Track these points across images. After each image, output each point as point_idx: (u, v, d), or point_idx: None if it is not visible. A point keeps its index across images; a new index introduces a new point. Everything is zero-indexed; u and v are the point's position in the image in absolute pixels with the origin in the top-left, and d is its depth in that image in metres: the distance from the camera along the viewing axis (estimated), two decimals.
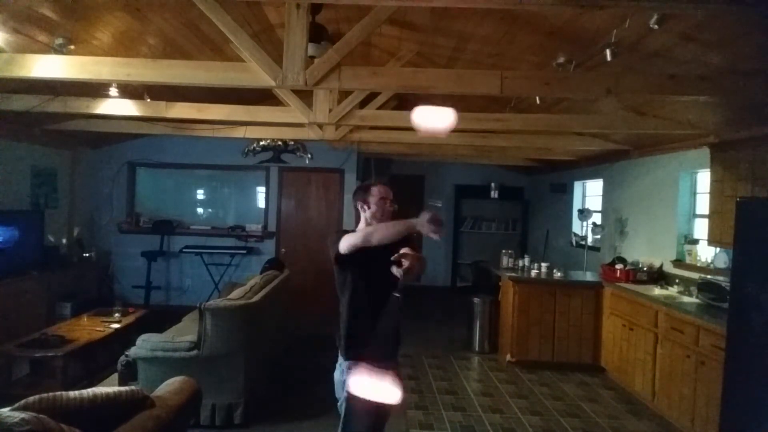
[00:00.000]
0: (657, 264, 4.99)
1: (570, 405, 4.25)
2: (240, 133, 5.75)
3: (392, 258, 2.03)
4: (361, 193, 2.45)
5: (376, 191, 2.41)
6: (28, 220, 5.41)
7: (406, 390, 4.43)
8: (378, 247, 2.09)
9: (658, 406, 4.04)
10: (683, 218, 4.81)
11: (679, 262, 4.72)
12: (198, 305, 3.58)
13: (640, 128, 4.25)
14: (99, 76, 3.00)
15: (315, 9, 3.45)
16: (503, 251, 6.01)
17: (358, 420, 2.23)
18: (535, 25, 3.17)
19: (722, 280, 3.75)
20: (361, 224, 2.44)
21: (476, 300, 5.69)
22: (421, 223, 1.97)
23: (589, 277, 5.54)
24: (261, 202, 7.39)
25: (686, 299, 4.21)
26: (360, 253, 2.15)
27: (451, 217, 9.21)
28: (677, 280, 4.64)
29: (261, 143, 7.03)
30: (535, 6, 2.59)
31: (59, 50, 3.36)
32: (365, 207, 2.41)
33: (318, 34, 3.54)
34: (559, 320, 5.11)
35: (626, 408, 4.22)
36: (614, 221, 5.95)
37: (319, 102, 4.41)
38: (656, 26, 2.53)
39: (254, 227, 7.17)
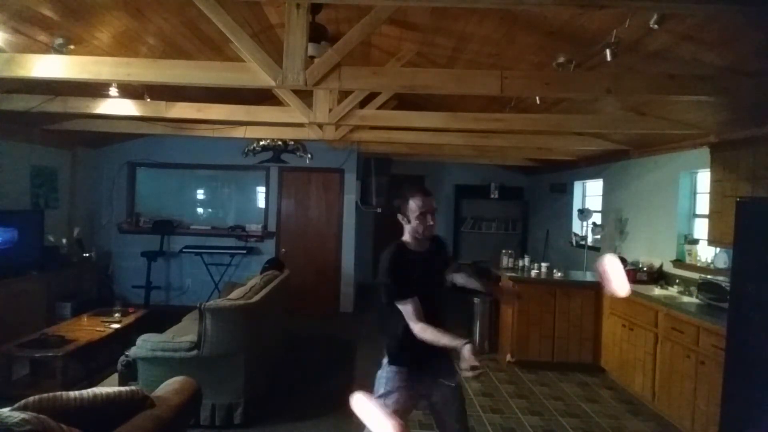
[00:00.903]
0: (657, 264, 4.99)
1: (570, 405, 4.25)
2: (240, 133, 5.75)
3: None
4: (400, 203, 2.34)
5: (414, 205, 2.28)
6: (28, 220, 5.40)
7: None
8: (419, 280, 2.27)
9: (658, 406, 4.03)
10: (683, 218, 4.80)
11: (679, 262, 4.72)
12: (198, 305, 3.57)
13: (640, 128, 4.25)
14: (99, 76, 3.00)
15: (315, 9, 3.46)
16: (503, 251, 6.02)
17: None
18: (535, 25, 3.17)
19: (722, 280, 3.75)
20: (406, 236, 2.39)
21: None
22: (462, 357, 2.00)
23: (589, 277, 5.53)
24: (261, 202, 7.39)
25: (686, 299, 4.21)
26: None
27: (451, 217, 9.22)
28: (677, 280, 4.64)
29: (261, 143, 7.03)
30: (535, 6, 2.59)
31: (59, 50, 3.36)
32: (405, 220, 2.33)
33: (318, 34, 3.54)
34: (559, 320, 5.11)
35: (626, 408, 4.22)
36: (614, 221, 5.95)
37: (319, 102, 4.41)
38: (656, 26, 2.53)
39: (254, 227, 7.17)
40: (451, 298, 2.68)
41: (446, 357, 2.38)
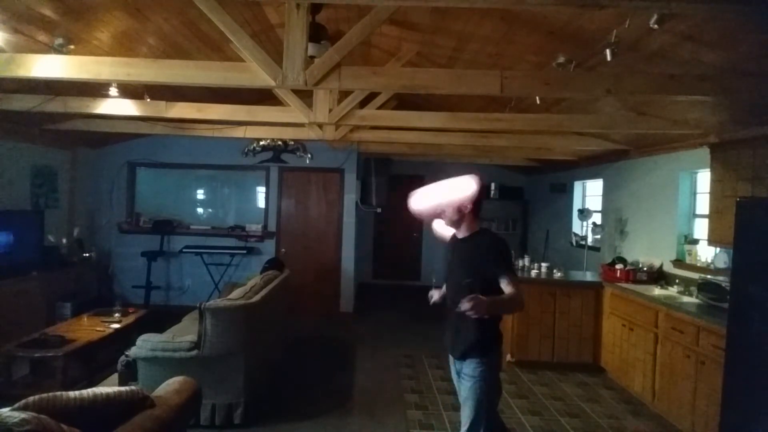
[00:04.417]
0: (657, 264, 4.99)
1: (570, 405, 4.25)
2: (240, 133, 5.75)
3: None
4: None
5: None
6: (28, 220, 5.41)
7: (407, 390, 4.43)
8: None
9: (658, 406, 4.04)
10: (683, 218, 4.80)
11: (679, 262, 4.72)
12: (198, 305, 3.58)
13: (640, 128, 4.25)
14: (99, 76, 3.00)
15: (315, 9, 3.46)
16: None
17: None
18: (535, 25, 3.17)
19: (722, 280, 3.75)
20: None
21: None
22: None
23: (589, 277, 5.54)
24: (261, 202, 7.39)
25: (686, 299, 4.21)
26: None
27: None
28: (677, 280, 4.64)
29: (261, 143, 7.03)
30: (535, 6, 2.59)
31: (59, 50, 3.36)
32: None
33: (318, 34, 3.54)
34: (559, 320, 5.10)
35: (626, 408, 4.22)
36: (614, 221, 5.95)
37: (319, 102, 4.41)
38: (656, 26, 2.53)
39: (254, 227, 7.17)
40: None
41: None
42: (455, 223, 2.61)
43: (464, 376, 2.51)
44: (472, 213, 2.58)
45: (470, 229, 2.61)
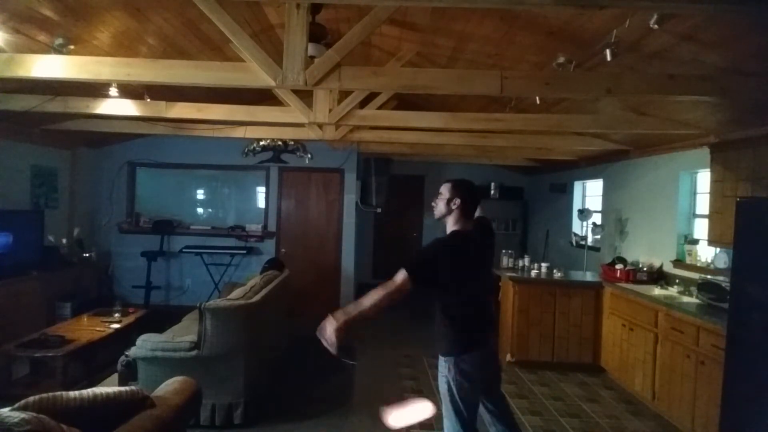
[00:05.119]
0: (657, 264, 4.99)
1: (570, 405, 4.25)
2: (240, 133, 5.75)
3: None
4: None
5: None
6: (27, 220, 5.41)
7: (407, 390, 4.42)
8: None
9: (658, 406, 4.04)
10: (683, 218, 4.81)
11: (679, 262, 4.72)
12: (198, 305, 3.58)
13: (640, 128, 4.25)
14: (99, 76, 3.00)
15: (315, 9, 3.46)
16: (503, 251, 6.01)
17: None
18: (535, 25, 3.17)
19: (722, 280, 3.75)
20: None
21: None
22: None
23: (589, 277, 5.54)
24: (261, 202, 7.39)
25: (686, 299, 4.21)
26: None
27: None
28: (677, 280, 4.64)
29: (261, 143, 7.03)
30: (535, 6, 2.59)
31: (59, 50, 3.36)
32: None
33: (318, 34, 3.54)
34: (559, 320, 5.11)
35: (626, 408, 4.22)
36: (614, 221, 5.95)
37: (319, 102, 4.41)
38: (656, 26, 2.53)
39: (254, 227, 7.17)
40: None
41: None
42: (441, 218, 2.50)
43: (437, 372, 2.50)
44: (460, 211, 2.42)
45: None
